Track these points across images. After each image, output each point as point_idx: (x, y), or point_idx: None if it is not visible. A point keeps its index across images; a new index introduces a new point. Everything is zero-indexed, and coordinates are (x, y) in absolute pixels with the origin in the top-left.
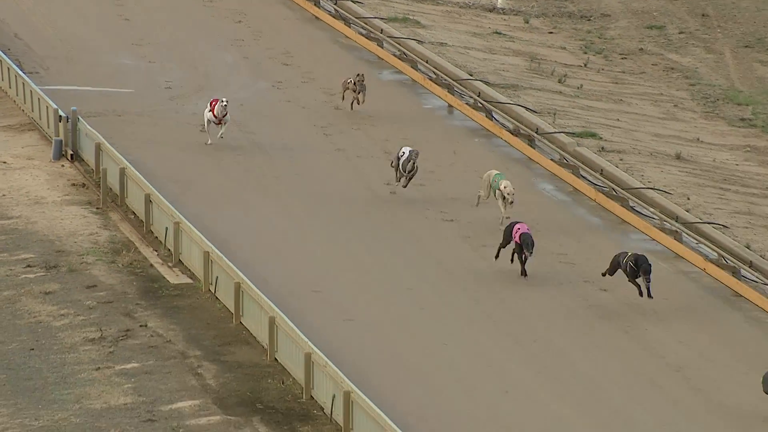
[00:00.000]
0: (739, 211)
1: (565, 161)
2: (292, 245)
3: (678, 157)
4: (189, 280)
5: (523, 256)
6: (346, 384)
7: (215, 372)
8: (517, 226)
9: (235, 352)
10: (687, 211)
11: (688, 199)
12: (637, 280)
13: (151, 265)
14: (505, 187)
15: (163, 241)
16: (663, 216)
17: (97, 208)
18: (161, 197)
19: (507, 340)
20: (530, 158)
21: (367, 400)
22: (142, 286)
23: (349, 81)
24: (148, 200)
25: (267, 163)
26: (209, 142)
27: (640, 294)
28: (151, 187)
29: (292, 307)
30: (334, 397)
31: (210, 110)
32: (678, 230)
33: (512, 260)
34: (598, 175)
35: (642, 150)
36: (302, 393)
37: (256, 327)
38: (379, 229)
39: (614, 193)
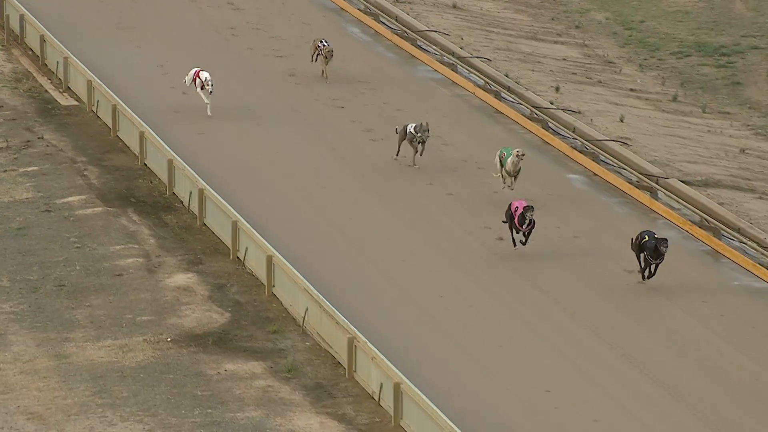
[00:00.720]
0: (500, 48)
1: (368, 9)
2: (156, 74)
3: (454, 6)
4: (76, 103)
5: (525, 224)
6: (200, 183)
7: (98, 173)
8: (516, 204)
9: (113, 158)
10: (461, 48)
11: (462, 39)
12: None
13: (46, 91)
14: (517, 153)
15: (55, 72)
16: (443, 52)
17: (2, 46)
18: (53, 37)
19: (322, 145)
20: (341, 7)
21: (216, 195)
22: (39, 107)
23: (318, 47)
24: (43, 40)
25: (135, 11)
26: (208, 113)
27: (645, 273)
28: (44, 29)
29: (157, 124)
30: (191, 193)
31: (193, 80)
32: (454, 63)
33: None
34: (393, 20)
35: (426, 1)
36: (166, 190)
37: (129, 139)
38: (223, 60)
39: (406, 34)
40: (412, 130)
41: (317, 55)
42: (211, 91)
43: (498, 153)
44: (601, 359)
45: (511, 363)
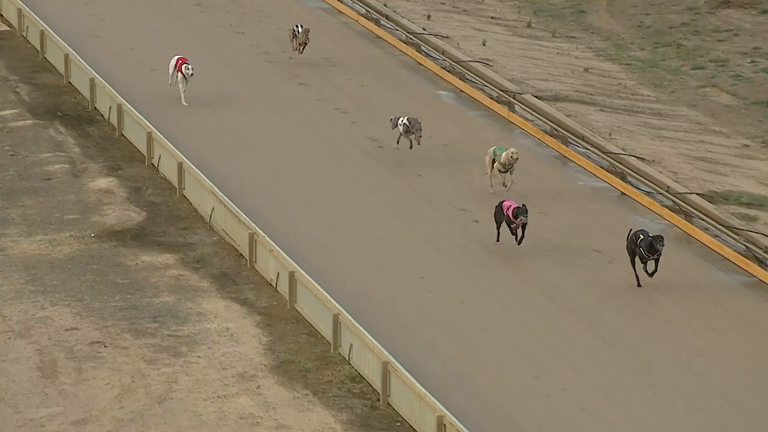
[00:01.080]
0: None
1: None
2: (78, 2)
3: None
4: (8, 28)
5: (514, 226)
6: (118, 99)
7: (28, 90)
8: (506, 203)
9: (42, 77)
10: None
11: None
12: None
13: None
14: (512, 154)
15: None
16: None
17: None
18: None
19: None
20: None
21: (133, 109)
22: None
23: (297, 32)
24: None
25: None
26: (183, 102)
27: (647, 273)
28: None
29: (80, 47)
30: (110, 108)
31: (177, 68)
32: None
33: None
34: None
35: None
36: (89, 105)
37: (55, 60)
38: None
39: None
40: (406, 122)
41: (294, 39)
42: (191, 74)
43: (491, 151)
44: (510, 285)
45: (390, 252)
